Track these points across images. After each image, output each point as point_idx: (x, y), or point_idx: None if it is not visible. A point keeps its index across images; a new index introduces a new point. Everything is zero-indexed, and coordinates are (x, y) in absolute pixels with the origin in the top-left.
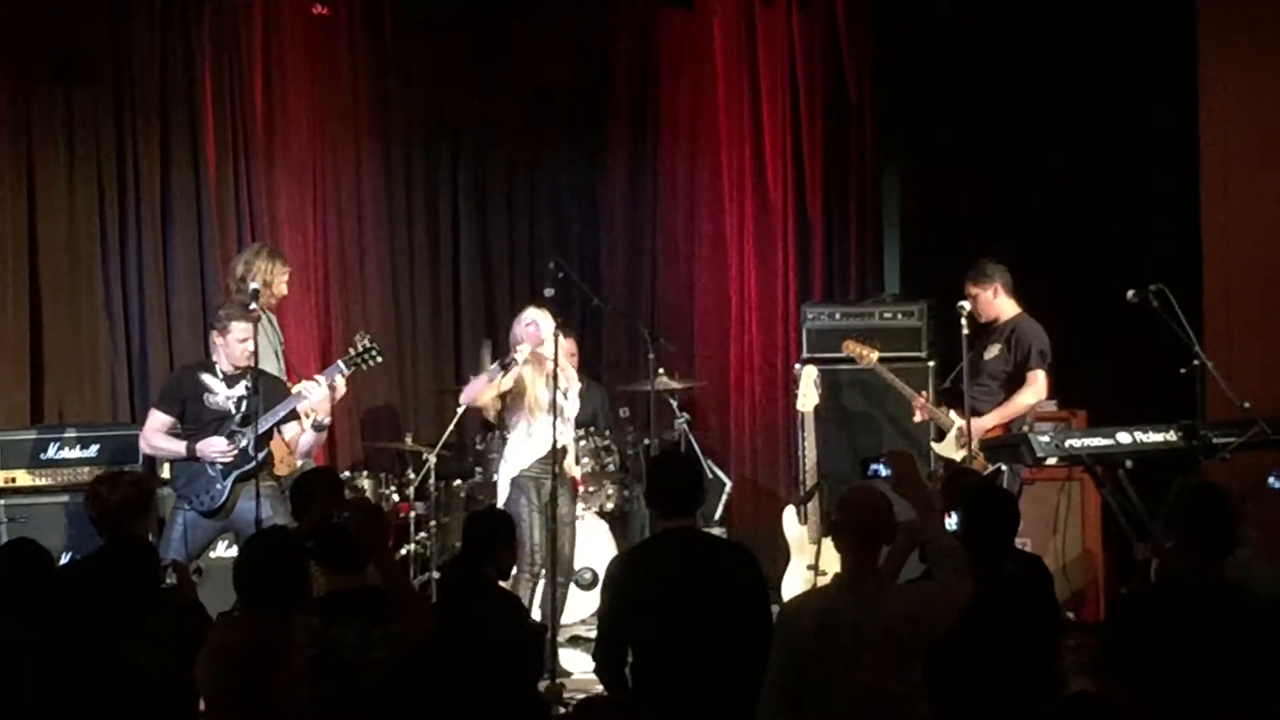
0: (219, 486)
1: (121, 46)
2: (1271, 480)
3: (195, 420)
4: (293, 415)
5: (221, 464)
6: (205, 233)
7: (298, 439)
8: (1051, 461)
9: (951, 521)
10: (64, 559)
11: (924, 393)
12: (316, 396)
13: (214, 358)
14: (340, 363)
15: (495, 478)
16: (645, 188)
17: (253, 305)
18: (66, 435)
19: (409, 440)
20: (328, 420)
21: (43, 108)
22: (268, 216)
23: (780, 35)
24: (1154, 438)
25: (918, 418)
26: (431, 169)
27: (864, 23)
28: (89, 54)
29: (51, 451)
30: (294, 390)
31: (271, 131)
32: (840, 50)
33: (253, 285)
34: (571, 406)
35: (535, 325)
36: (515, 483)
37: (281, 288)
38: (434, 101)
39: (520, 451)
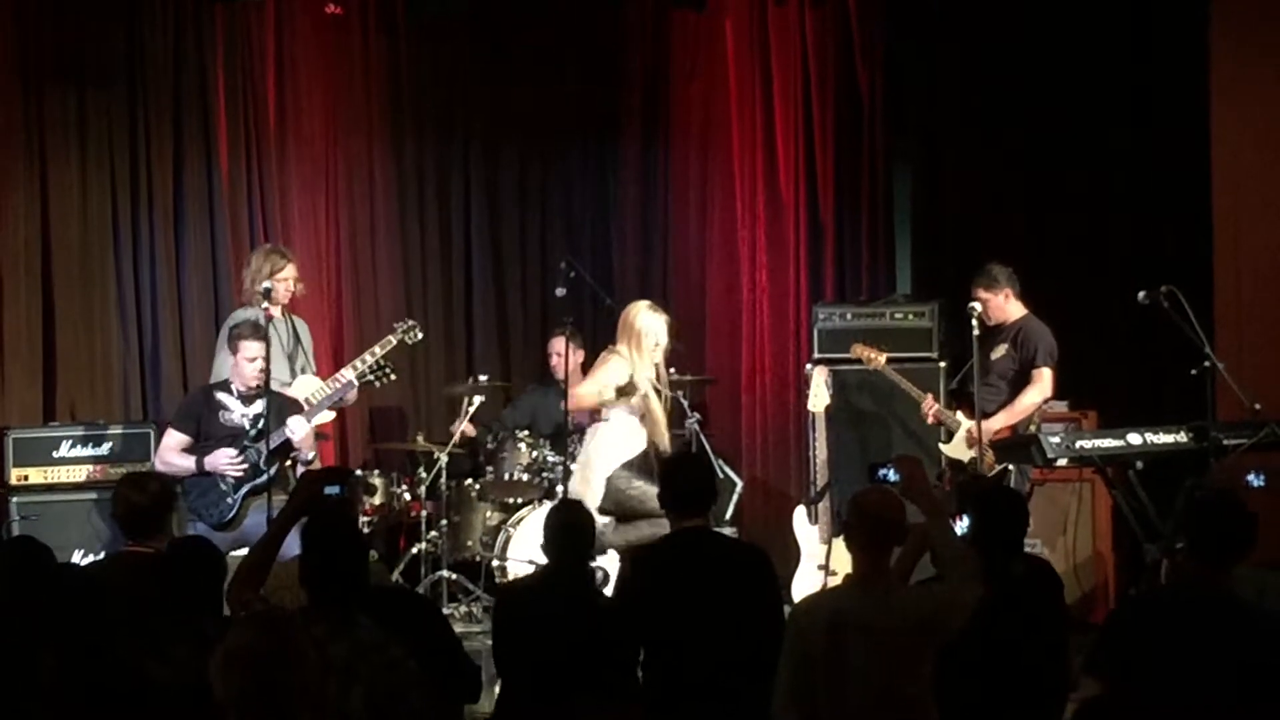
0: (229, 500)
1: (134, 47)
2: (1251, 478)
3: (209, 436)
4: (288, 445)
5: (233, 478)
6: (218, 232)
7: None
8: (1062, 462)
9: (961, 525)
10: (76, 557)
11: (930, 395)
12: (301, 433)
13: (229, 378)
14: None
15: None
16: (657, 188)
17: (266, 304)
18: (78, 433)
19: (420, 439)
20: (312, 455)
21: (56, 109)
22: (280, 216)
23: (792, 35)
24: (1165, 439)
25: (930, 420)
26: (443, 169)
27: (876, 22)
28: (102, 55)
29: (63, 450)
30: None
31: (284, 131)
32: (852, 50)
33: (264, 285)
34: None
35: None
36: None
37: (292, 283)
38: (446, 101)
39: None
